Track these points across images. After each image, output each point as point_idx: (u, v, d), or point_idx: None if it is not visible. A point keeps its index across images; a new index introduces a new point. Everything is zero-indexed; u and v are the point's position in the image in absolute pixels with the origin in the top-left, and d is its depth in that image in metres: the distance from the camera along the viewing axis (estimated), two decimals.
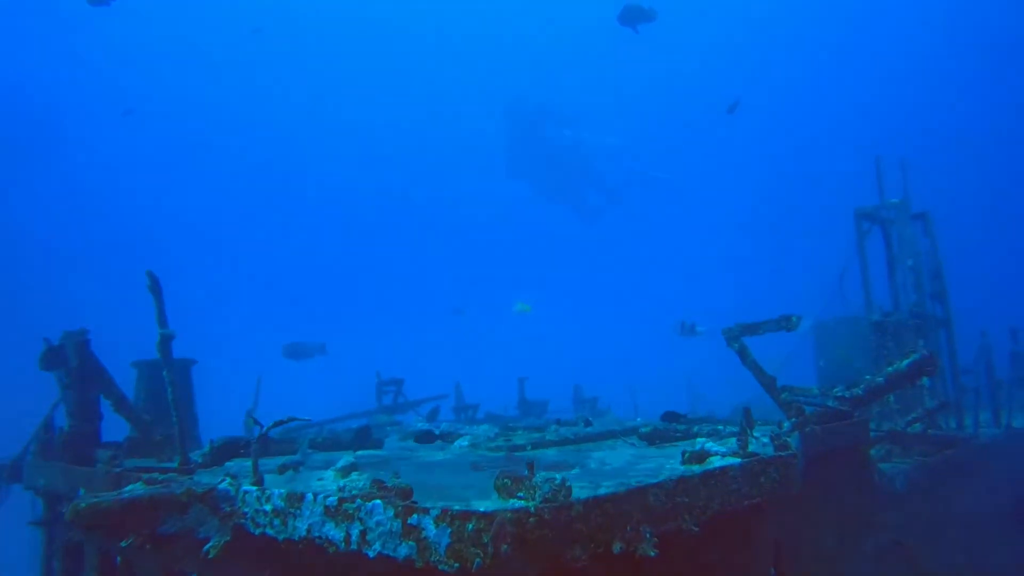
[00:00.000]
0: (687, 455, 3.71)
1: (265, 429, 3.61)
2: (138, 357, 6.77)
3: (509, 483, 2.84)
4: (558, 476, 2.66)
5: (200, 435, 7.11)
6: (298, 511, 2.87)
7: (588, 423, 6.42)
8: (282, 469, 3.78)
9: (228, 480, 3.13)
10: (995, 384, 8.24)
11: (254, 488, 3.08)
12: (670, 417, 5.55)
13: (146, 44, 37.78)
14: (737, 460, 3.40)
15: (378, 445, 5.67)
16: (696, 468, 3.52)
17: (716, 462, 3.52)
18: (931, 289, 7.85)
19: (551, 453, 5.00)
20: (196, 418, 7.21)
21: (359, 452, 5.37)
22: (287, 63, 40.07)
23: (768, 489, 3.38)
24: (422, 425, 7.55)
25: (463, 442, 5.65)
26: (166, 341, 4.32)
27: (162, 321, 4.28)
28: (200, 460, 4.53)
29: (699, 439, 4.07)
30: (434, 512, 2.44)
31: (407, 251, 42.20)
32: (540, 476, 2.70)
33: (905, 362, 5.13)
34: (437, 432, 6.41)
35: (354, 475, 3.68)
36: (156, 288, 4.28)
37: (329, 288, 39.18)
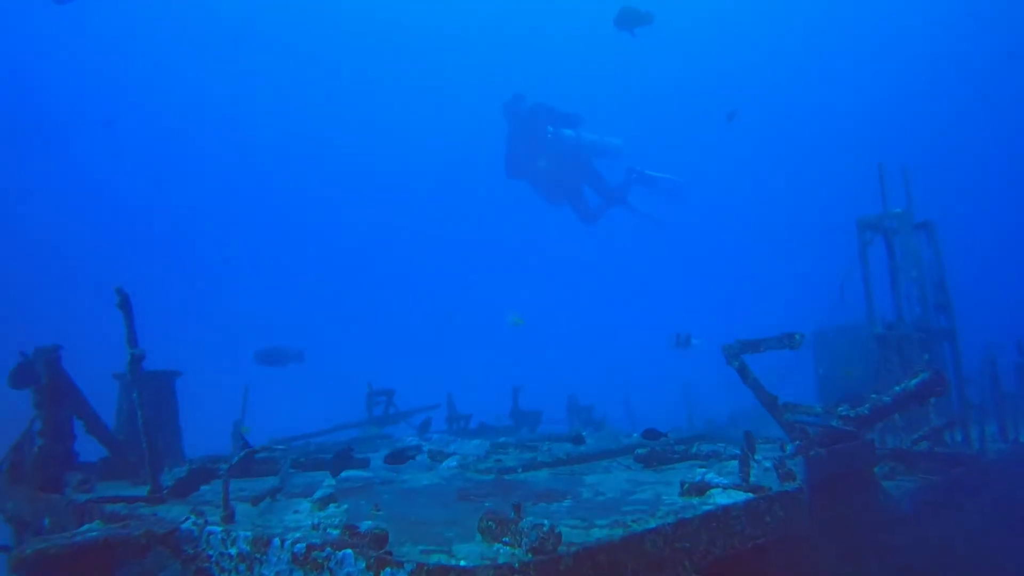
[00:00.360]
0: (686, 487, 3.50)
1: (236, 459, 3.39)
2: (122, 368, 6.54)
3: (494, 526, 2.63)
4: (547, 522, 2.45)
5: (184, 448, 6.89)
6: (264, 557, 2.65)
7: (581, 440, 6.21)
8: (255, 501, 3.55)
9: (192, 519, 2.90)
10: (1001, 397, 8.03)
11: (219, 529, 2.85)
12: (651, 435, 5.34)
13: (127, 46, 37.35)
14: (740, 496, 3.19)
15: (363, 465, 5.44)
16: (696, 502, 3.31)
17: (717, 496, 3.31)
18: (935, 300, 7.65)
19: (543, 476, 4.80)
20: (180, 431, 6.98)
21: (342, 473, 5.14)
22: (274, 64, 39.61)
23: (773, 528, 3.16)
24: (411, 439, 7.33)
25: (451, 463, 5.44)
26: (136, 361, 4.11)
27: (132, 340, 4.07)
28: (174, 485, 4.31)
29: (699, 470, 3.85)
30: (408, 567, 2.22)
31: (402, 254, 41.83)
32: (527, 521, 2.49)
33: (913, 382, 4.91)
34: (425, 448, 6.19)
35: (332, 507, 3.46)
36: (126, 305, 4.07)
37: (318, 295, 38.62)
